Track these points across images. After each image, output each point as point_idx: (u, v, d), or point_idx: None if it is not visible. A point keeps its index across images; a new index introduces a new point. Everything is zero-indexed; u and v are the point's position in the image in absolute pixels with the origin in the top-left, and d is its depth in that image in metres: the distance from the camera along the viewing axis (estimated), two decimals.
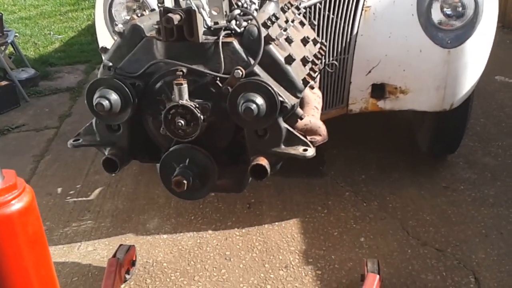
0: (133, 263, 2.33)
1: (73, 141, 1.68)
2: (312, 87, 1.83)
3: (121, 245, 2.33)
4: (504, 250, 2.34)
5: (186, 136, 1.49)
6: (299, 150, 1.50)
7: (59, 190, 3.11)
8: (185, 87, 1.45)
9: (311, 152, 1.49)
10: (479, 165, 3.03)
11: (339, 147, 3.33)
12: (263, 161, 1.48)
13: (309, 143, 1.50)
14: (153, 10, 2.11)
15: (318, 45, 2.00)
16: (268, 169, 1.47)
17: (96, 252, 2.52)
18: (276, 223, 2.66)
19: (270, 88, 1.43)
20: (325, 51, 2.11)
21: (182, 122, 1.45)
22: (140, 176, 3.21)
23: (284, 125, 1.50)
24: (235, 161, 1.64)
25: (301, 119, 1.53)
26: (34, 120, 4.24)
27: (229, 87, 1.46)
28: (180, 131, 1.49)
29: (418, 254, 2.35)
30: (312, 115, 1.69)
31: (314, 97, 1.81)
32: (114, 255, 2.24)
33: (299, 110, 1.54)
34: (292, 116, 1.53)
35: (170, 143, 1.58)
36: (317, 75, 1.74)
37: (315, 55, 1.82)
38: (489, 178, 2.90)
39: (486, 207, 2.65)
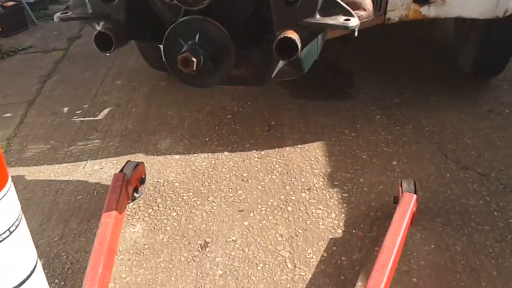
0: (142, 181, 2.13)
1: (61, 14, 1.41)
2: None
3: (128, 161, 2.12)
4: None
5: (196, 4, 1.21)
6: (339, 20, 1.18)
7: (65, 109, 2.91)
8: None
9: (354, 22, 1.17)
10: None
11: (369, 69, 3.03)
12: (293, 34, 1.17)
13: (351, 11, 1.20)
14: None
15: None
16: (299, 44, 1.17)
17: (103, 170, 2.33)
18: (299, 146, 2.42)
19: None
20: None
21: None
22: (151, 97, 2.98)
23: None
24: (257, 42, 1.35)
25: None
26: (42, 42, 4.02)
27: None
28: None
29: (458, 178, 2.09)
30: None
31: None
32: (121, 171, 2.04)
33: None
34: None
35: (176, 15, 1.29)
36: None
37: None
38: None
39: None
